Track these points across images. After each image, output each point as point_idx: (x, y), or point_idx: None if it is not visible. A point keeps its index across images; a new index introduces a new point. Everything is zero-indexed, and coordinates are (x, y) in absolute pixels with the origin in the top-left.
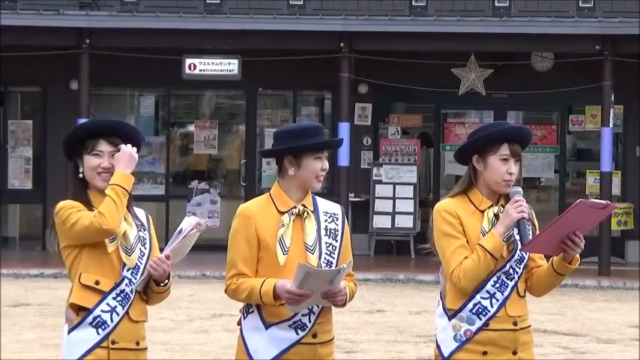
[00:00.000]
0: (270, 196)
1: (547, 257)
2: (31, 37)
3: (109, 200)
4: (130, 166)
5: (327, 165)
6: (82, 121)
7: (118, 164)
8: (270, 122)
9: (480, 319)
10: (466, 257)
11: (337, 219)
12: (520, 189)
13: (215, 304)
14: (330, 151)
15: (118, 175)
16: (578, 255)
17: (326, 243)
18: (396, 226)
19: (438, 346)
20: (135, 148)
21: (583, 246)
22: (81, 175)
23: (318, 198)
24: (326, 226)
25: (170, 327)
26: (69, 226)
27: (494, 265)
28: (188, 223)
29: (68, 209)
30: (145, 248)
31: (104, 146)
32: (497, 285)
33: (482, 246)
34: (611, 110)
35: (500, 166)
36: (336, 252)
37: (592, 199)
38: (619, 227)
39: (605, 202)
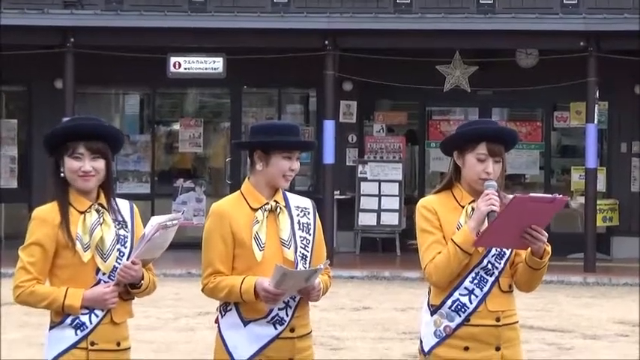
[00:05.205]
0: (241, 194)
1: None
2: (15, 36)
3: (43, 294)
4: (92, 305)
5: (296, 165)
6: (67, 119)
7: (92, 294)
8: (255, 120)
9: (460, 316)
10: (439, 252)
11: (309, 213)
12: (494, 182)
13: (201, 302)
14: (300, 152)
15: (76, 297)
16: (548, 248)
17: (300, 237)
18: (381, 223)
19: (421, 341)
20: (113, 289)
21: (545, 239)
22: (62, 175)
23: (288, 193)
24: (299, 221)
25: (156, 325)
26: (21, 248)
27: (467, 260)
28: (150, 226)
29: (28, 242)
30: (125, 247)
31: (84, 149)
32: (476, 281)
33: (452, 240)
34: (596, 106)
35: (476, 165)
36: (310, 245)
37: (532, 194)
38: (604, 223)
39: (551, 196)
